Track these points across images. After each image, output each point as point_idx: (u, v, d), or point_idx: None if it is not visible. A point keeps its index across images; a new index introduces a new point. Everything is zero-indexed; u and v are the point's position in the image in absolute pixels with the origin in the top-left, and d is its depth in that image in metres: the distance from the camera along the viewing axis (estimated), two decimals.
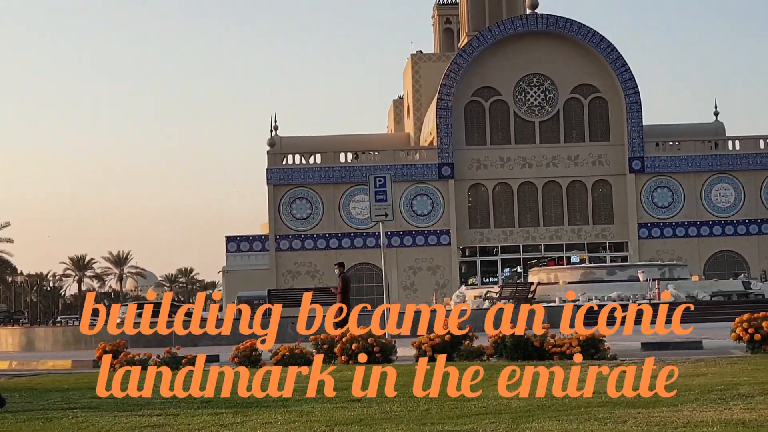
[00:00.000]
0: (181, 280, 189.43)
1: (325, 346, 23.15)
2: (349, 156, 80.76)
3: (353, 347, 22.38)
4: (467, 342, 22.42)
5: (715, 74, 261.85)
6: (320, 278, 78.44)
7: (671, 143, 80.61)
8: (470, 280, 78.27)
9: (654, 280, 51.97)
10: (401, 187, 78.39)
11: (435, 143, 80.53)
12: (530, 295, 49.21)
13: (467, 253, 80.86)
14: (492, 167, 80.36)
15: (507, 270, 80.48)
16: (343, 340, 22.66)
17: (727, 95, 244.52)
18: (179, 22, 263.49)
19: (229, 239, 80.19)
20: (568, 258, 79.42)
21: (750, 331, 22.22)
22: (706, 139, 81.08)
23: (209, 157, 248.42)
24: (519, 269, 79.46)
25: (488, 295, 50.87)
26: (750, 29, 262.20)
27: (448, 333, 22.37)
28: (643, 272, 53.92)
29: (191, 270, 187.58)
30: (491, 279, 78.66)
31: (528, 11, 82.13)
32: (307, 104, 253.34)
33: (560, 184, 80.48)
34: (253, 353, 23.17)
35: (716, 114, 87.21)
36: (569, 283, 54.59)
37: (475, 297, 52.87)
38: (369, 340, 22.38)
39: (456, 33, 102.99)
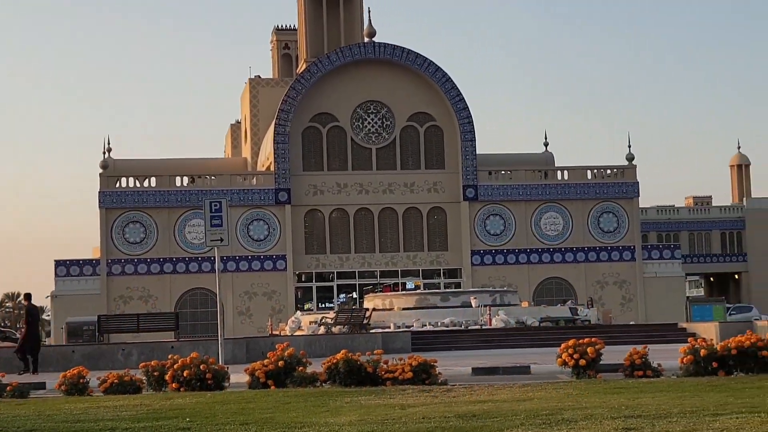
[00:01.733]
0: (8, 305, 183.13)
1: (155, 374, 22.76)
2: (185, 180, 79.79)
3: (185, 374, 22.07)
4: (301, 368, 22.39)
5: (545, 105, 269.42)
6: (153, 303, 77.14)
7: (503, 172, 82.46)
8: (306, 306, 78.17)
9: (486, 306, 52.97)
10: (237, 212, 77.88)
11: (272, 168, 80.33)
12: (365, 321, 49.46)
13: (303, 279, 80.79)
14: (329, 193, 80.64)
15: (343, 296, 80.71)
16: (175, 367, 22.33)
17: (556, 126, 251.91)
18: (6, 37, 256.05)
19: (59, 263, 78.03)
20: (404, 284, 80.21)
21: (575, 356, 22.90)
22: (536, 169, 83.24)
23: (38, 179, 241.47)
24: (355, 295, 79.79)
25: (324, 320, 50.90)
26: (577, 62, 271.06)
27: (282, 359, 22.29)
28: (475, 298, 54.91)
29: (18, 294, 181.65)
30: (327, 305, 78.70)
31: (366, 39, 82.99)
32: (142, 126, 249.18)
33: (396, 210, 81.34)
34: (81, 381, 22.61)
35: (546, 144, 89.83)
36: (404, 309, 55.16)
37: (310, 323, 52.82)
38: (201, 367, 22.11)
39: (294, 58, 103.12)
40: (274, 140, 79.88)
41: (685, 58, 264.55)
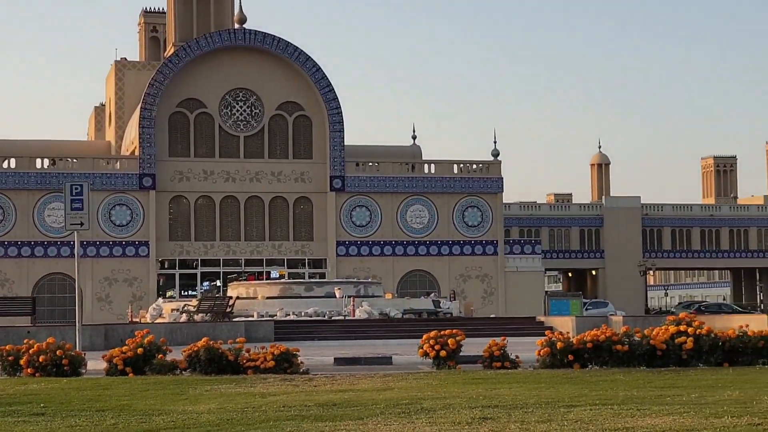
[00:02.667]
0: None
1: (10, 358, 22.18)
2: (46, 162, 77.82)
3: (40, 359, 21.56)
4: (160, 356, 22.10)
5: (414, 99, 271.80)
6: (10, 287, 75.10)
7: (371, 164, 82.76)
8: (168, 293, 77.12)
9: (350, 297, 53.11)
10: (100, 196, 76.32)
11: (137, 153, 78.95)
12: (228, 310, 49.08)
13: (166, 266, 79.66)
14: (195, 180, 79.68)
15: (206, 284, 79.91)
16: (30, 352, 21.80)
17: (425, 120, 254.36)
18: None
19: None
20: (268, 273, 79.83)
21: (436, 347, 23.17)
22: (403, 162, 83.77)
23: None
24: (218, 283, 79.09)
25: (186, 308, 50.30)
26: (447, 57, 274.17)
27: (141, 346, 21.97)
28: (339, 289, 55.01)
29: None
30: (190, 292, 77.78)
31: (236, 25, 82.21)
32: (1, 105, 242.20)
33: (263, 199, 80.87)
34: None
35: (414, 138, 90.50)
36: (268, 298, 54.93)
37: (172, 310, 52.16)
38: (57, 353, 21.64)
39: (163, 42, 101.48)
40: (139, 124, 78.52)
41: (551, 59, 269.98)
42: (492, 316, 65.82)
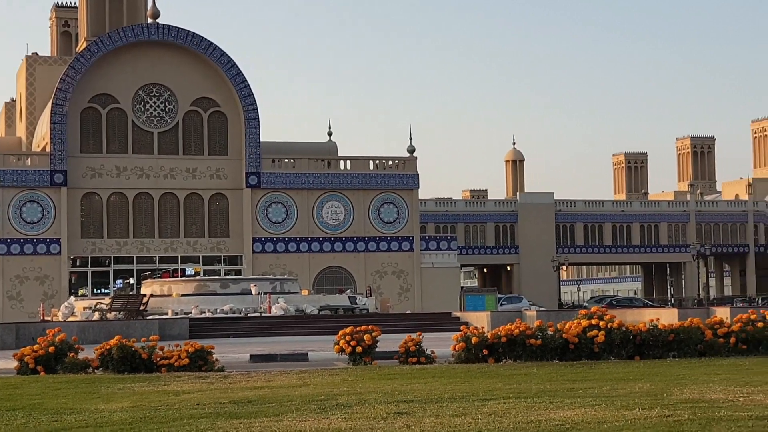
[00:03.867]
0: None
1: None
2: None
3: None
4: (72, 354, 21.79)
5: (330, 96, 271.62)
6: None
7: (287, 160, 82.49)
8: (80, 291, 76.00)
9: (266, 293, 52.90)
10: (10, 194, 74.94)
11: (48, 149, 77.63)
12: (142, 307, 48.54)
13: (78, 264, 78.47)
14: (107, 176, 78.61)
15: (119, 281, 78.93)
16: None
17: (340, 116, 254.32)
18: None
19: None
20: (183, 270, 79.14)
21: (352, 343, 23.20)
22: (319, 158, 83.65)
23: None
24: (132, 281, 78.14)
25: (98, 306, 49.63)
26: (362, 54, 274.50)
27: (52, 345, 21.63)
28: (255, 286, 54.75)
29: None
30: (103, 290, 76.79)
31: (149, 20, 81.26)
32: None
33: (177, 196, 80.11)
34: None
35: (330, 134, 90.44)
36: (183, 295, 54.43)
37: (84, 308, 51.42)
38: None
39: (75, 37, 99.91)
40: (50, 120, 77.19)
41: (465, 55, 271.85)
42: (408, 312, 66.05)
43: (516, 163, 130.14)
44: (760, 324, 23.81)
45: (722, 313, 34.60)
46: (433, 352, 23.33)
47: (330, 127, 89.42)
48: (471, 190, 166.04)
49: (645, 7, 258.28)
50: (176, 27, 79.99)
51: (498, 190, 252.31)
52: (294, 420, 12.26)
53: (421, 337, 23.63)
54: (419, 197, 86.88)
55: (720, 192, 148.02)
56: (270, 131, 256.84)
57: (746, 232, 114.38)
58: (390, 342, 24.90)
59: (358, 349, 23.08)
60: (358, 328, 23.65)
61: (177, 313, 49.21)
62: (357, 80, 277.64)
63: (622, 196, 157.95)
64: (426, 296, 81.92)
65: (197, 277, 68.21)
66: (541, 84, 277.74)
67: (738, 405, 12.83)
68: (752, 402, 13.12)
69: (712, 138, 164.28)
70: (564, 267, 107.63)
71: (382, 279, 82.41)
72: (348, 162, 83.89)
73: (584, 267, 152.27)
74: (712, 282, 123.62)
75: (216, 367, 21.63)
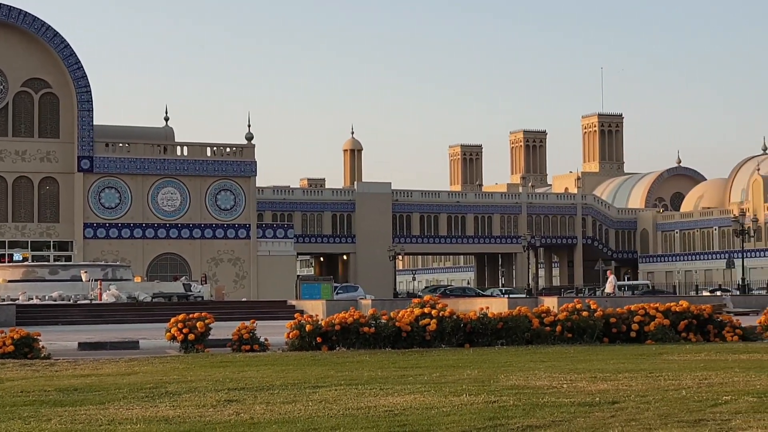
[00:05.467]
0: None
1: None
2: None
3: None
4: None
5: (167, 80, 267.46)
6: None
7: (122, 145, 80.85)
8: None
9: (97, 280, 51.83)
10: None
11: None
12: None
13: None
14: None
15: None
16: None
17: (178, 101, 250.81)
18: None
19: None
20: (11, 256, 76.71)
21: (184, 331, 22.94)
22: (155, 143, 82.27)
23: None
24: None
25: None
26: (200, 39, 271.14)
27: None
28: (86, 272, 53.57)
29: None
30: None
31: None
32: None
33: (6, 179, 77.59)
34: None
35: (167, 119, 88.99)
36: (10, 281, 52.86)
37: None
38: None
39: None
40: None
41: (304, 42, 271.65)
42: (244, 299, 65.74)
43: (354, 153, 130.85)
44: (585, 313, 24.58)
45: (550, 302, 35.61)
46: (266, 339, 23.27)
47: (167, 113, 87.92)
48: (309, 179, 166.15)
49: (476, 1, 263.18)
50: (7, 5, 77.45)
51: (336, 179, 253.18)
52: (121, 408, 12.05)
53: (255, 324, 23.54)
54: (257, 185, 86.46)
55: (551, 185, 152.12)
56: (105, 115, 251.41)
57: (575, 225, 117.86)
58: (224, 330, 24.72)
59: (191, 336, 22.83)
60: (190, 316, 23.39)
61: (3, 300, 47.72)
62: (195, 65, 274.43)
63: (458, 188, 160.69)
64: (262, 284, 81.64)
65: (25, 263, 66.26)
66: (380, 74, 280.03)
67: (561, 391, 13.20)
68: (575, 389, 13.53)
69: (544, 132, 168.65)
70: (400, 256, 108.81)
71: (217, 266, 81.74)
72: (185, 148, 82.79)
73: (420, 257, 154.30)
74: (541, 272, 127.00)
75: (42, 355, 21.08)
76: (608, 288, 55.45)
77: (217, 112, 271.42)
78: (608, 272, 58.61)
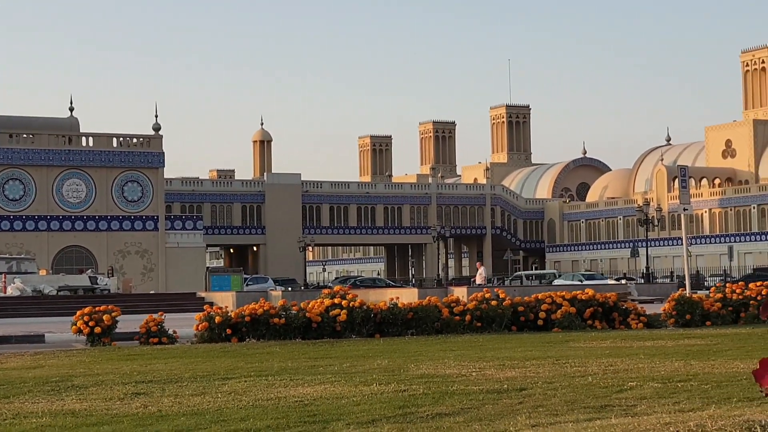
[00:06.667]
0: None
1: None
2: None
3: None
4: None
5: (72, 70, 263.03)
6: None
7: (25, 135, 79.28)
8: None
9: (1, 273, 50.90)
10: None
11: None
12: None
13: None
14: None
15: None
16: None
17: (83, 91, 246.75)
18: None
19: None
20: None
21: (90, 324, 22.62)
22: (60, 134, 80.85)
23: None
24: None
25: None
26: (104, 28, 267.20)
27: None
28: None
29: None
30: None
31: None
32: None
33: None
34: None
35: (72, 109, 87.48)
36: None
37: None
38: None
39: None
40: None
41: (212, 32, 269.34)
42: (152, 292, 65.04)
43: (264, 144, 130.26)
44: (494, 302, 24.84)
45: (459, 292, 35.93)
46: (175, 332, 23.08)
47: (72, 102, 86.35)
48: (218, 170, 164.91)
49: None
50: None
51: (245, 171, 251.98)
52: (26, 402, 11.84)
53: (163, 317, 23.33)
54: (165, 176, 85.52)
55: (460, 176, 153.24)
56: (8, 105, 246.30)
57: (484, 215, 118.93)
58: (132, 323, 24.45)
59: (97, 329, 22.53)
60: (97, 309, 23.08)
61: None
62: (102, 54, 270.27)
63: (368, 179, 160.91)
64: (170, 277, 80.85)
65: None
66: (290, 65, 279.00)
67: (470, 379, 13.32)
68: (484, 377, 13.66)
69: (453, 123, 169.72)
70: (310, 248, 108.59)
71: (125, 259, 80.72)
72: (90, 138, 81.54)
73: (330, 248, 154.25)
74: (451, 263, 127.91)
75: None
76: (478, 279, 55.30)
77: (124, 103, 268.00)
78: (478, 264, 58.98)
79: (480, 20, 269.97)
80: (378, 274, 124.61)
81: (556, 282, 70.36)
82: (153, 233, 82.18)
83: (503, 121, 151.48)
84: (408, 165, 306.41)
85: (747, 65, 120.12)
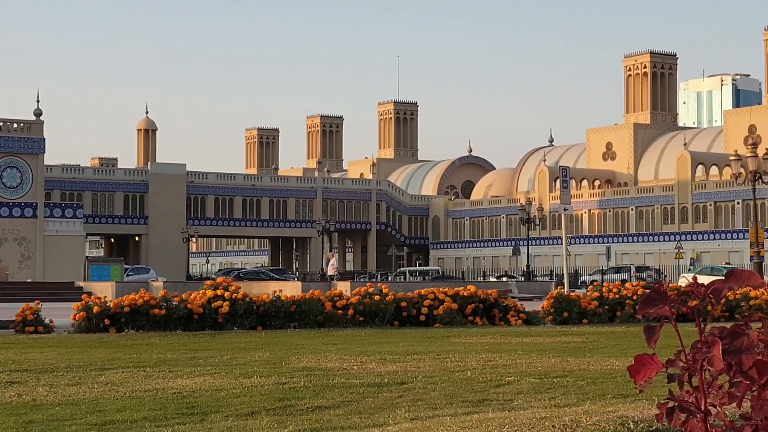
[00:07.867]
0: None
1: None
2: None
3: None
4: None
5: None
6: None
7: None
8: None
9: None
10: None
11: None
12: None
13: None
14: None
15: None
16: None
17: None
18: None
19: None
20: None
21: None
22: None
23: None
24: None
25: None
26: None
27: None
28: None
29: None
30: None
31: None
32: None
33: None
34: None
35: None
36: None
37: None
38: None
39: None
40: None
41: (99, 17, 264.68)
42: (29, 280, 63.64)
43: (148, 132, 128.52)
44: (377, 297, 24.95)
45: (343, 286, 36.00)
46: (52, 321, 22.63)
47: None
48: (100, 158, 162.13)
49: None
50: None
51: (129, 159, 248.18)
52: None
53: (39, 305, 22.86)
54: (45, 163, 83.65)
55: (346, 170, 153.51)
56: None
57: (369, 210, 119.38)
58: (7, 311, 23.93)
59: None
60: None
61: None
62: None
63: (254, 171, 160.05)
64: (49, 265, 79.12)
65: None
66: (177, 54, 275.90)
67: (352, 373, 13.35)
68: (365, 370, 13.71)
69: (341, 118, 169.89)
70: (193, 239, 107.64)
71: (1, 246, 78.76)
72: None
73: (214, 239, 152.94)
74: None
75: None
76: (330, 270, 55.71)
77: (3, 87, 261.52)
78: (330, 255, 59.44)
79: (370, 16, 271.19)
80: (262, 267, 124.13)
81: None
82: (31, 220, 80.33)
83: (391, 117, 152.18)
84: (295, 158, 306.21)
85: (629, 70, 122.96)
